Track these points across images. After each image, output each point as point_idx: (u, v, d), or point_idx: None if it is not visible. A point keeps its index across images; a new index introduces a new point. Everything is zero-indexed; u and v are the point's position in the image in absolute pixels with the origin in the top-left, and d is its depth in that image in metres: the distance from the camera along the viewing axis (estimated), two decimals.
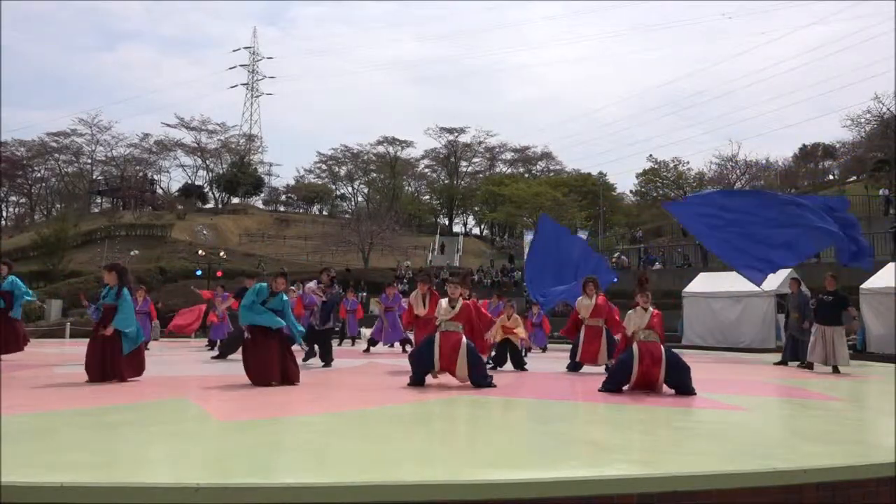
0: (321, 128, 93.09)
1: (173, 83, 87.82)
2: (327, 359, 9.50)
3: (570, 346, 9.85)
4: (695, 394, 6.34)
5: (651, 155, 50.20)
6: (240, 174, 55.35)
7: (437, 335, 6.85)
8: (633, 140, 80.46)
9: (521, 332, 9.77)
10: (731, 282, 16.25)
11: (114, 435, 3.89)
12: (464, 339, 6.75)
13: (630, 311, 6.74)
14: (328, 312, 9.48)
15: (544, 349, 15.22)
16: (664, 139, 79.71)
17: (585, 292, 9.18)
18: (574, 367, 9.44)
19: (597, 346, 9.07)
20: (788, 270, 13.67)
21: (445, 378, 7.16)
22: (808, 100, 72.42)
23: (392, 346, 14.58)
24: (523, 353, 11.15)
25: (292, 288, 12.39)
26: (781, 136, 75.74)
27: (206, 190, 58.57)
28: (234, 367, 8.46)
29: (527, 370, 9.35)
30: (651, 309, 6.65)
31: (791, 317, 11.59)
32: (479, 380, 6.80)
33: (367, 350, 13.39)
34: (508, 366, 9.64)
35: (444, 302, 6.97)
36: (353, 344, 16.09)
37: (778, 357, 11.90)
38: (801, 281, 12.00)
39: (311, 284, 10.03)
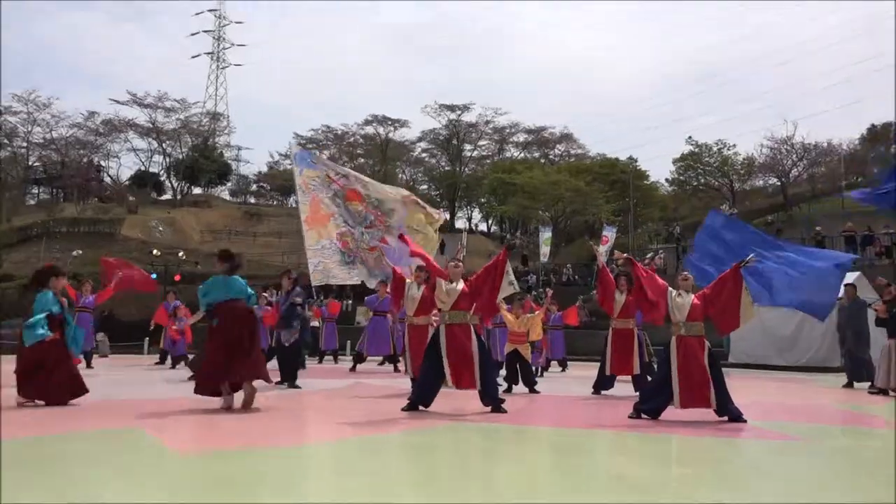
0: (299, 105, 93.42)
1: (124, 53, 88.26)
2: (289, 377, 9.45)
3: (598, 362, 9.87)
4: (742, 420, 6.36)
5: (690, 137, 49.71)
6: (202, 160, 55.43)
7: (442, 331, 6.82)
8: (668, 119, 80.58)
9: (535, 334, 9.78)
10: None
11: (54, 472, 3.89)
12: (474, 335, 6.82)
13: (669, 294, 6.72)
14: (289, 320, 9.46)
15: (563, 365, 15.22)
16: (706, 118, 79.73)
17: (618, 286, 9.22)
18: (604, 383, 9.46)
19: (629, 351, 9.14)
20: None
21: (447, 400, 7.18)
22: (877, 72, 72.37)
23: (383, 362, 14.61)
24: (537, 372, 11.23)
25: (264, 294, 12.50)
26: (846, 114, 75.90)
27: (162, 178, 58.77)
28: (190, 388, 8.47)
29: (538, 392, 9.42)
30: (691, 294, 6.61)
31: (847, 330, 11.60)
32: (492, 396, 6.82)
33: (354, 368, 13.44)
34: (522, 387, 9.69)
35: (443, 284, 7.01)
36: (335, 360, 16.13)
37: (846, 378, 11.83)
38: (856, 287, 12.01)
39: (266, 294, 10.14)
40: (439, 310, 7.18)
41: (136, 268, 13.95)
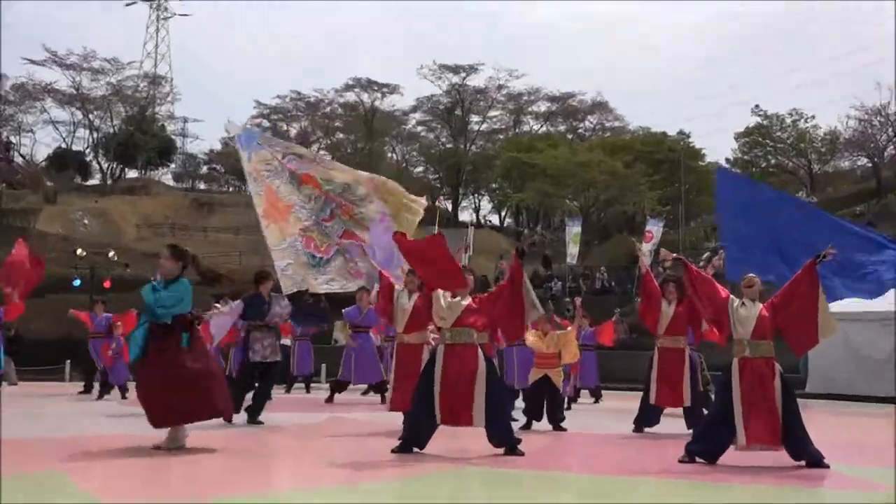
0: (262, 65, 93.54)
1: (42, 1, 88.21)
2: (257, 412, 9.58)
3: (640, 391, 9.87)
4: (824, 465, 6.33)
5: (758, 106, 49.66)
6: (139, 135, 55.49)
7: (440, 353, 6.84)
8: (729, 84, 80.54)
9: (570, 354, 9.82)
10: (880, 298, 16.03)
11: None
12: (481, 359, 6.84)
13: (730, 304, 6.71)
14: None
15: (596, 395, 15.28)
16: (778, 83, 79.63)
17: (665, 294, 9.26)
18: (647, 418, 9.48)
19: (678, 377, 9.14)
20: None
21: (448, 439, 7.18)
22: None
23: (368, 391, 14.63)
24: (565, 404, 11.17)
25: (217, 305, 12.54)
26: None
27: (88, 158, 58.92)
28: (128, 423, 8.47)
29: (565, 429, 9.43)
30: (758, 304, 6.60)
31: None
32: (503, 434, 6.82)
33: (331, 398, 13.54)
34: (545, 423, 9.66)
35: (442, 297, 7.03)
36: (307, 389, 16.17)
37: None
38: None
39: (221, 306, 10.24)
40: (438, 327, 7.17)
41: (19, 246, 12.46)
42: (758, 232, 8.59)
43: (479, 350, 6.91)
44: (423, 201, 10.62)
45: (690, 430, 7.93)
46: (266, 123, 60.60)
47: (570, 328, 10.19)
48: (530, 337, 9.60)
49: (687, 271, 7.12)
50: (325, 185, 10.25)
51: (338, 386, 13.81)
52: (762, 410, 6.38)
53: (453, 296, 7.01)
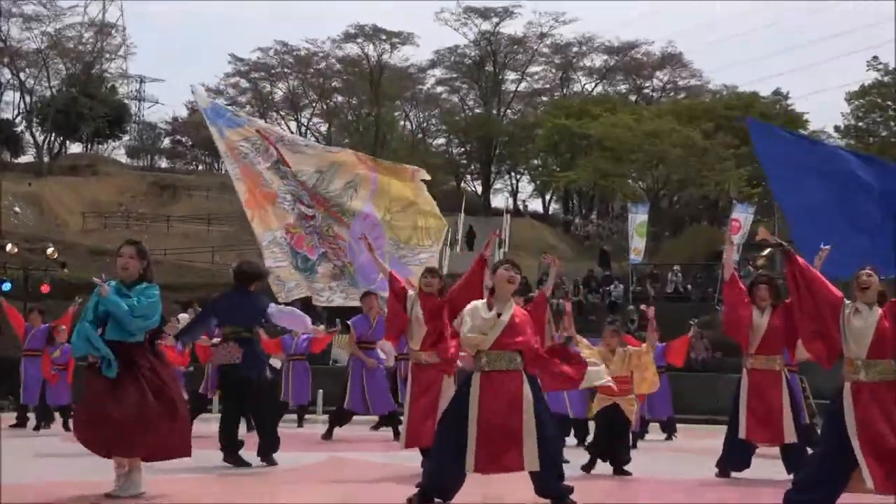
0: (239, 10, 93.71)
1: None
2: (266, 449, 9.67)
3: (725, 424, 9.80)
4: None
5: (875, 58, 49.01)
6: (84, 99, 55.37)
7: (477, 381, 6.75)
8: (836, 31, 79.56)
9: (647, 381, 9.93)
10: None
11: None
12: (527, 385, 6.76)
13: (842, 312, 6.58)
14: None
15: (669, 429, 15.22)
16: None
17: (755, 300, 9.21)
18: (734, 458, 9.43)
19: (775, 407, 9.10)
20: None
21: (478, 483, 7.14)
22: None
23: (378, 425, 14.71)
24: (631, 440, 11.12)
25: (184, 315, 12.66)
26: None
27: (19, 130, 59.18)
28: (74, 465, 8.50)
29: (629, 473, 9.38)
30: (877, 309, 6.45)
31: None
32: (553, 479, 6.76)
33: (329, 433, 13.54)
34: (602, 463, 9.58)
35: (478, 305, 6.94)
36: (299, 422, 16.23)
37: None
38: None
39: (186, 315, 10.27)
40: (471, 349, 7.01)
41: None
42: (817, 192, 9.02)
43: (525, 377, 6.81)
44: (423, 174, 10.68)
45: (792, 475, 7.83)
46: (244, 84, 60.68)
47: (644, 347, 10.08)
48: (586, 351, 9.14)
49: (790, 263, 6.86)
50: (299, 175, 10.46)
51: (339, 417, 13.80)
52: (887, 448, 6.25)
53: (489, 308, 6.82)
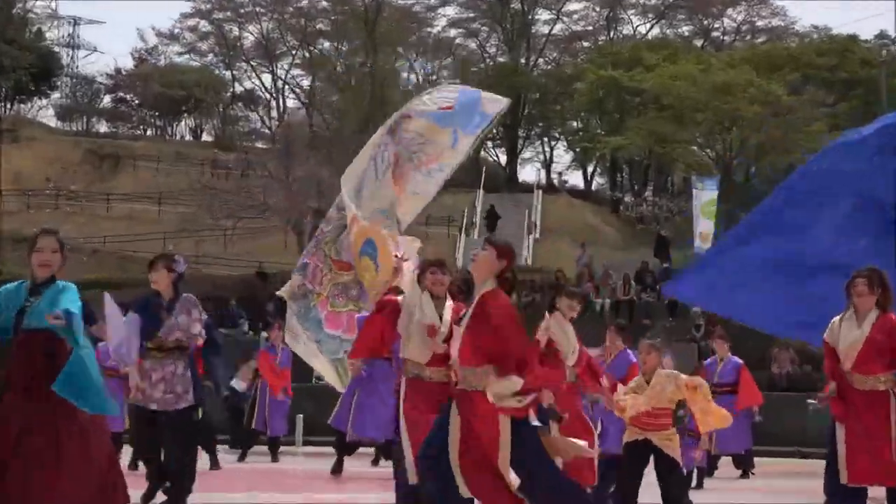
0: None
1: None
2: (178, 485, 8.88)
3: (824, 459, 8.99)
4: None
5: None
6: (3, 46, 51.71)
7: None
8: None
9: (716, 420, 9.17)
10: None
11: None
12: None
13: None
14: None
15: (745, 465, 14.89)
16: None
17: (856, 306, 8.36)
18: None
19: (882, 437, 8.29)
20: None
21: None
22: None
23: (377, 458, 14.72)
24: (694, 480, 11.36)
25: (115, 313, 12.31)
26: None
27: None
28: None
29: None
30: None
31: None
32: None
33: (339, 466, 13.32)
34: None
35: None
36: (273, 456, 16.02)
37: None
38: None
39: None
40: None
41: None
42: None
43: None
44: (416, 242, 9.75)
45: None
46: (205, 26, 57.74)
47: (697, 379, 9.10)
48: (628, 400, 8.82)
49: None
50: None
51: (343, 446, 13.49)
52: None
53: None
